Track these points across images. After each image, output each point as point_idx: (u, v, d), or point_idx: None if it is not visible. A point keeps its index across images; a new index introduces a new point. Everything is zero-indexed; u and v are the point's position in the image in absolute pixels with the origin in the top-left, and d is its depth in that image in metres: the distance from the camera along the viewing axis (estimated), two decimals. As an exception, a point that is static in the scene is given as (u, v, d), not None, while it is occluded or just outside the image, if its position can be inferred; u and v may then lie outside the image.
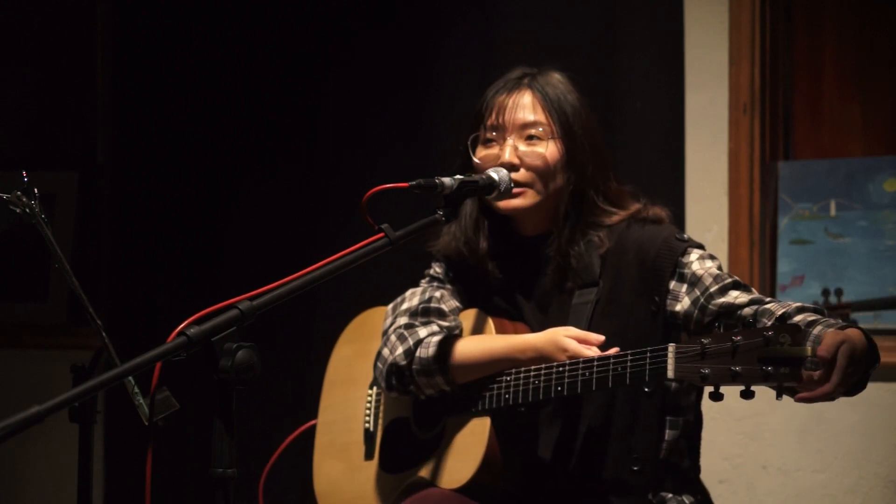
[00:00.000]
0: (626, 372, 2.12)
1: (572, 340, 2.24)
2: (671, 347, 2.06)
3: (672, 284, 2.29)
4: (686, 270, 2.29)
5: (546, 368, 2.25)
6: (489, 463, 2.31)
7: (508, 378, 2.31)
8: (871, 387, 3.25)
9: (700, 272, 2.27)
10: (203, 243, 3.87)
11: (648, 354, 2.10)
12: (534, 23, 3.49)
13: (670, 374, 2.05)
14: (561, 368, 2.22)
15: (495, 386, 2.32)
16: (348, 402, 2.65)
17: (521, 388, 2.28)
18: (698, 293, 2.26)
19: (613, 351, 2.20)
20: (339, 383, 2.71)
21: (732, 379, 1.95)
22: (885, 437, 3.23)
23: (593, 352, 2.21)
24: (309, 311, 3.65)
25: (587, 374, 2.18)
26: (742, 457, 3.34)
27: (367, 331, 2.66)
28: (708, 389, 2.01)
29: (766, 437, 3.31)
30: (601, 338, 2.24)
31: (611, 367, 2.15)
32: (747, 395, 1.96)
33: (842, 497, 3.25)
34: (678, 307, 2.28)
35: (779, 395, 1.94)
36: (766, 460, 3.32)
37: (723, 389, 1.99)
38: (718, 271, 2.27)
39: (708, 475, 3.28)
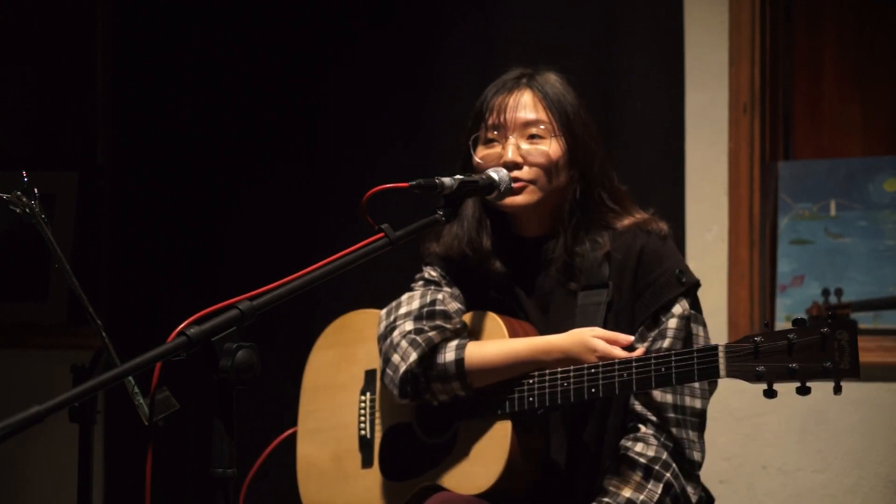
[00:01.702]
0: (672, 372, 2.12)
1: (601, 341, 2.23)
2: (721, 347, 2.07)
3: (647, 324, 2.31)
4: (663, 318, 2.31)
5: (576, 370, 2.22)
6: (512, 467, 2.28)
7: (531, 381, 2.28)
8: (871, 386, 3.28)
9: (669, 338, 2.29)
10: (203, 243, 3.87)
11: (696, 354, 2.10)
12: (534, 23, 3.49)
13: (723, 373, 2.07)
14: (594, 370, 2.20)
15: (517, 389, 2.29)
16: (335, 408, 2.60)
17: (547, 390, 2.25)
18: (650, 345, 2.29)
19: (640, 351, 2.21)
20: (322, 389, 2.64)
21: (790, 376, 2.00)
22: (885, 437, 3.23)
23: (621, 353, 2.21)
24: (309, 311, 3.64)
25: (625, 374, 2.16)
26: (742, 457, 3.33)
27: (348, 335, 2.62)
28: (760, 387, 2.03)
29: (766, 437, 3.31)
30: (630, 338, 2.24)
31: (653, 367, 2.14)
32: (804, 391, 2.00)
33: (842, 497, 3.25)
34: (637, 345, 2.29)
35: (837, 391, 1.97)
36: (766, 460, 3.32)
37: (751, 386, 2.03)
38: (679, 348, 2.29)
39: (708, 475, 3.27)
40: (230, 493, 1.72)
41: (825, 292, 3.35)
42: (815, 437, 3.27)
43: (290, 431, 2.69)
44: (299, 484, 2.64)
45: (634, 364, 2.16)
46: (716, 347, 2.08)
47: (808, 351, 1.98)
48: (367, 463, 2.53)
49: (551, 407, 2.28)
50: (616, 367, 2.18)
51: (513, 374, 2.30)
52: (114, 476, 3.94)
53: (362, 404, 2.56)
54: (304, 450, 2.65)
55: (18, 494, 4.14)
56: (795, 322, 2.01)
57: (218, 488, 1.72)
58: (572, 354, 2.24)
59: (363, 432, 2.55)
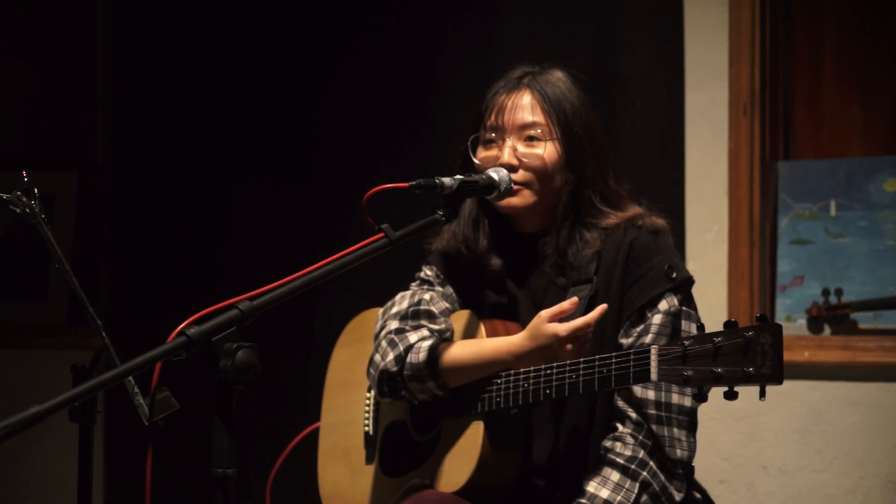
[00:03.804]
0: (611, 374, 2.12)
1: (554, 324, 2.22)
2: (654, 350, 2.06)
3: (632, 319, 2.30)
4: (648, 314, 2.29)
5: (535, 371, 2.24)
6: (484, 466, 2.31)
7: (499, 381, 2.30)
8: (871, 386, 3.28)
9: (651, 334, 2.28)
10: (203, 243, 3.87)
11: (632, 356, 2.09)
12: (534, 23, 3.49)
13: (653, 376, 2.05)
14: (549, 371, 2.21)
15: (488, 389, 2.32)
16: (348, 405, 2.65)
17: (511, 391, 2.28)
18: (635, 341, 2.28)
19: (601, 309, 2.21)
20: (339, 386, 2.70)
21: (715, 381, 1.95)
22: (885, 437, 3.23)
23: (579, 322, 2.20)
24: (309, 311, 3.65)
25: (574, 376, 2.18)
26: (742, 457, 3.34)
27: (364, 332, 2.66)
28: (693, 391, 2.02)
29: (766, 437, 3.31)
30: (574, 300, 2.23)
31: (596, 369, 2.14)
32: (731, 395, 1.96)
33: (842, 497, 3.25)
34: (623, 340, 2.30)
35: (761, 396, 1.94)
36: (766, 460, 3.32)
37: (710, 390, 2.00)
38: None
39: (708, 475, 3.28)
40: (230, 493, 1.72)
41: (825, 292, 3.35)
42: (815, 437, 3.27)
43: (314, 426, 2.74)
44: (318, 477, 2.69)
45: (582, 366, 2.16)
46: (649, 349, 2.07)
47: (732, 355, 1.93)
48: (370, 459, 2.57)
49: (524, 406, 2.29)
50: (567, 368, 2.18)
51: (483, 374, 2.32)
52: (114, 476, 3.94)
53: (367, 401, 2.61)
54: (323, 443, 2.71)
55: (18, 494, 4.14)
56: (726, 324, 1.97)
57: (218, 488, 1.72)
58: (539, 349, 2.24)
59: (367, 429, 2.59)
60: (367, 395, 2.61)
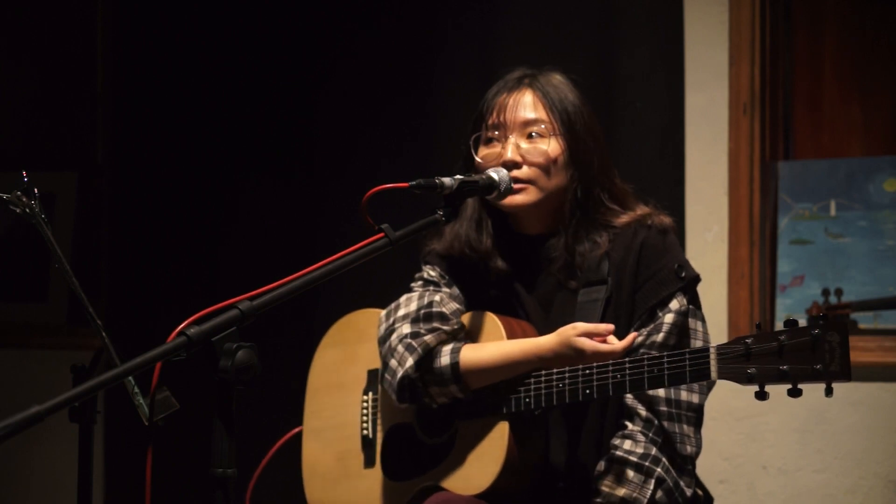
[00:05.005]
0: (664, 374, 2.12)
1: (585, 340, 2.22)
2: (713, 349, 2.07)
3: (643, 319, 2.30)
4: (659, 313, 2.30)
5: (571, 371, 2.22)
6: (510, 467, 2.28)
7: (529, 382, 2.28)
8: (871, 386, 3.28)
9: (663, 333, 2.28)
10: (203, 243, 3.87)
11: (688, 356, 2.10)
12: (534, 23, 3.49)
13: (713, 375, 2.06)
14: (588, 371, 2.20)
15: (515, 390, 2.29)
16: (339, 408, 2.60)
17: (543, 391, 2.25)
18: (645, 340, 2.28)
19: (631, 338, 2.21)
20: (326, 389, 2.65)
21: (781, 378, 1.99)
22: (885, 437, 3.23)
23: (607, 346, 2.21)
24: (309, 311, 3.64)
25: (618, 376, 2.16)
26: (742, 457, 3.33)
27: (351, 334, 2.62)
28: (752, 389, 2.03)
29: (766, 437, 3.31)
30: (610, 327, 2.23)
31: (645, 368, 2.14)
32: (795, 393, 2.00)
33: (842, 497, 3.25)
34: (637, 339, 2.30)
35: (828, 393, 1.97)
36: (766, 460, 3.32)
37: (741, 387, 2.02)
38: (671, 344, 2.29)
39: (708, 475, 3.28)
40: (230, 493, 1.72)
41: (825, 292, 3.35)
42: (815, 437, 3.27)
43: (296, 430, 2.70)
44: (304, 482, 2.64)
45: (628, 366, 2.16)
46: (707, 349, 2.07)
47: (798, 353, 1.97)
48: (369, 463, 2.53)
49: (548, 407, 2.28)
50: (610, 368, 2.18)
51: (508, 375, 2.30)
52: (114, 476, 3.94)
53: (364, 404, 2.57)
54: (308, 449, 2.65)
55: (19, 494, 4.14)
56: (787, 323, 2.00)
57: (218, 488, 1.72)
58: (563, 357, 2.24)
59: (365, 432, 2.55)
60: (364, 397, 2.57)
